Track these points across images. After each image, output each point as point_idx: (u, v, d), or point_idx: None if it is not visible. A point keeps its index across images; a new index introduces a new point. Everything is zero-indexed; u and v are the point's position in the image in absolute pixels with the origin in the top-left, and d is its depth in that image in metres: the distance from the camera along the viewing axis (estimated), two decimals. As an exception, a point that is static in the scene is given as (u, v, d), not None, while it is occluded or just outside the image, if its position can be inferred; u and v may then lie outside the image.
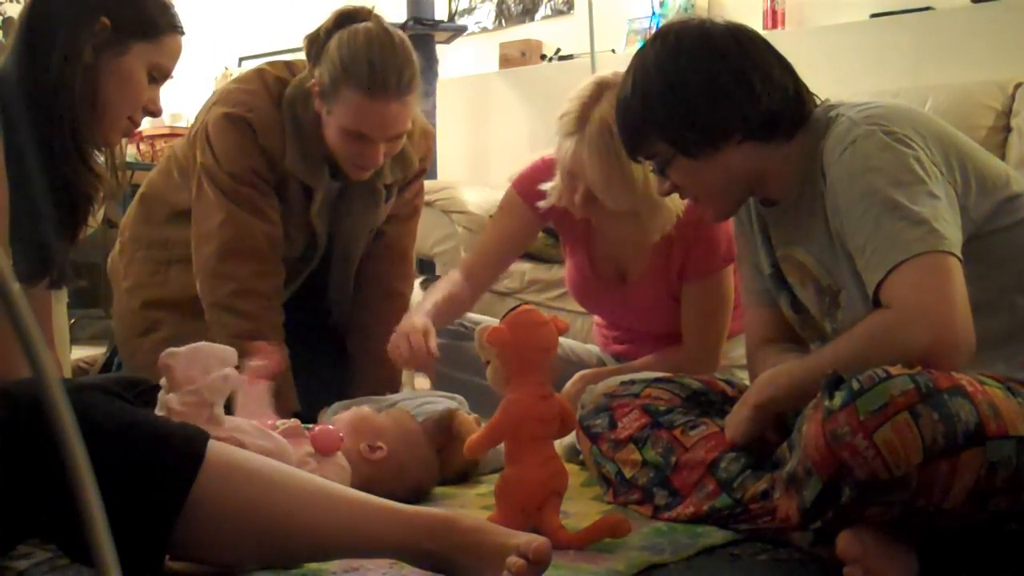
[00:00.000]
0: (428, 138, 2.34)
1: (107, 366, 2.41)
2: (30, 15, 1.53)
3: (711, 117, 1.46)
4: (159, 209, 2.25)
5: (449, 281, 2.17)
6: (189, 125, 2.37)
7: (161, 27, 1.58)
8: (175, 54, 1.62)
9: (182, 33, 1.63)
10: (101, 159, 1.61)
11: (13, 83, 1.49)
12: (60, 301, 2.18)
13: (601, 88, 1.87)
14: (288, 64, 2.17)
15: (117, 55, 1.54)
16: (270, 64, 2.19)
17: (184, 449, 1.18)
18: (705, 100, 1.46)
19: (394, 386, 2.22)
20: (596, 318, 2.41)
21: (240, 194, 2.06)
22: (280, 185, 2.11)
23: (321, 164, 2.12)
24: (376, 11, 2.06)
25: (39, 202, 1.46)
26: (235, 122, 2.07)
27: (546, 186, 2.06)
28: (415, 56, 2.03)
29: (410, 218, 2.37)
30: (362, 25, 2.01)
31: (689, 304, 2.10)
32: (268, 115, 2.08)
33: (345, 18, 2.04)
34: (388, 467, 1.66)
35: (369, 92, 1.95)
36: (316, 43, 2.04)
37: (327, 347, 2.32)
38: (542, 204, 2.06)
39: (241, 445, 1.34)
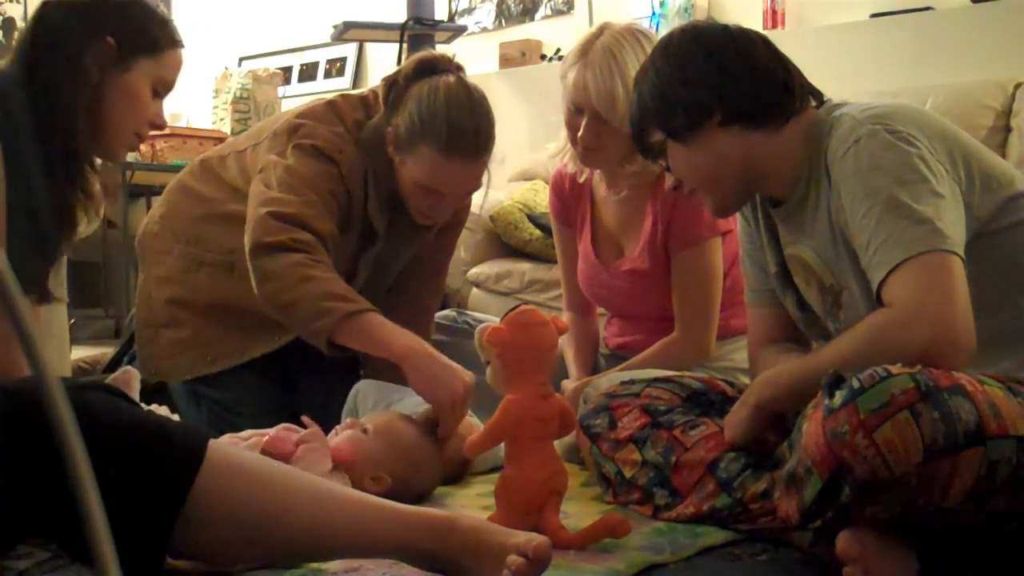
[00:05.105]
0: None
1: (117, 362, 2.40)
2: (34, 32, 1.53)
3: (687, 95, 1.51)
4: (200, 205, 2.22)
5: (568, 332, 2.05)
6: (217, 143, 2.31)
7: (163, 42, 1.60)
8: (177, 67, 1.63)
9: (183, 47, 1.64)
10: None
11: (13, 97, 1.48)
12: (60, 302, 2.18)
13: (602, 28, 2.04)
14: (362, 100, 2.14)
15: (122, 72, 1.55)
16: (343, 98, 2.15)
17: (185, 448, 1.18)
18: (682, 81, 1.51)
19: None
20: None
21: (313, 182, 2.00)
22: (343, 226, 2.06)
23: (387, 208, 2.11)
24: (456, 59, 2.06)
25: (29, 218, 1.45)
26: (322, 155, 2.02)
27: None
28: (492, 113, 2.03)
29: (451, 230, 2.35)
30: (442, 80, 1.99)
31: (678, 278, 2.11)
32: (355, 160, 2.06)
33: (426, 67, 2.03)
34: (394, 491, 1.63)
35: (446, 152, 1.95)
36: (395, 89, 2.03)
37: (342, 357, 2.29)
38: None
39: None
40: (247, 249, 1.93)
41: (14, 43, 1.58)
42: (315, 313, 1.84)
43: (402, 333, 1.85)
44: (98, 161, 1.65)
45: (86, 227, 1.67)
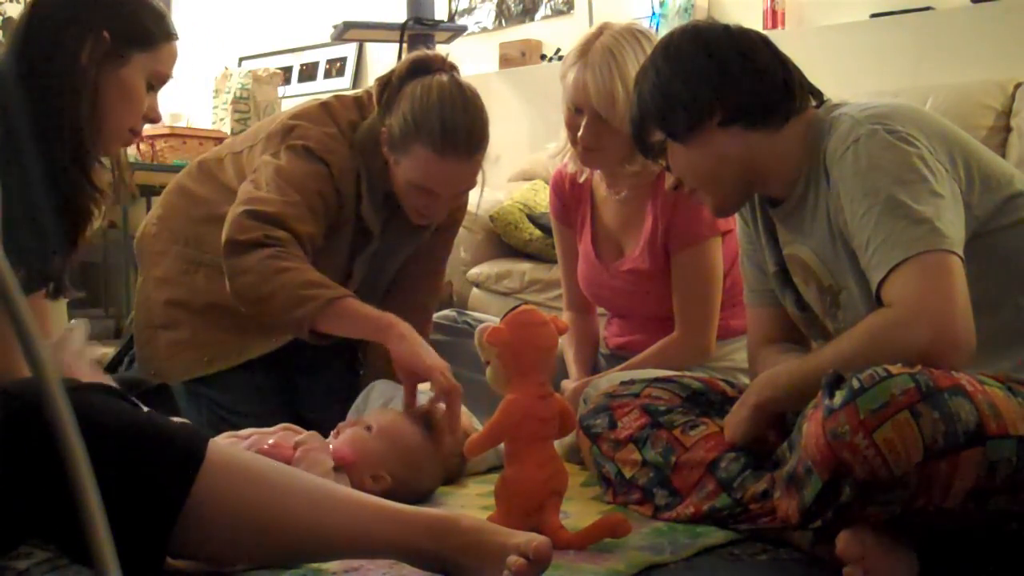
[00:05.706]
0: None
1: (118, 362, 2.40)
2: (28, 28, 1.52)
3: (687, 95, 1.51)
4: (197, 207, 2.22)
5: (568, 332, 2.03)
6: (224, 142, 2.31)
7: (157, 36, 1.59)
8: (172, 60, 1.63)
9: (177, 39, 1.64)
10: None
11: (10, 95, 1.48)
12: (60, 301, 2.18)
13: (602, 28, 2.05)
14: (356, 101, 2.14)
15: (117, 67, 1.54)
16: (337, 99, 2.15)
17: (185, 449, 1.18)
18: (682, 81, 1.51)
19: None
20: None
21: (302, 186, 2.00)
22: (335, 226, 2.06)
23: (383, 208, 2.11)
24: (448, 58, 2.06)
25: (39, 214, 1.45)
26: (312, 156, 2.02)
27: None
28: (486, 112, 2.02)
29: (448, 230, 2.35)
30: (436, 79, 1.99)
31: (678, 278, 2.11)
32: (347, 162, 2.05)
33: (419, 67, 2.03)
34: (394, 490, 1.62)
35: (440, 150, 1.95)
36: (388, 89, 2.03)
37: (341, 354, 2.28)
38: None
39: None
40: (221, 247, 1.93)
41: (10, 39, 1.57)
42: (295, 302, 1.84)
43: (383, 312, 1.87)
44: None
45: (98, 221, 1.67)
